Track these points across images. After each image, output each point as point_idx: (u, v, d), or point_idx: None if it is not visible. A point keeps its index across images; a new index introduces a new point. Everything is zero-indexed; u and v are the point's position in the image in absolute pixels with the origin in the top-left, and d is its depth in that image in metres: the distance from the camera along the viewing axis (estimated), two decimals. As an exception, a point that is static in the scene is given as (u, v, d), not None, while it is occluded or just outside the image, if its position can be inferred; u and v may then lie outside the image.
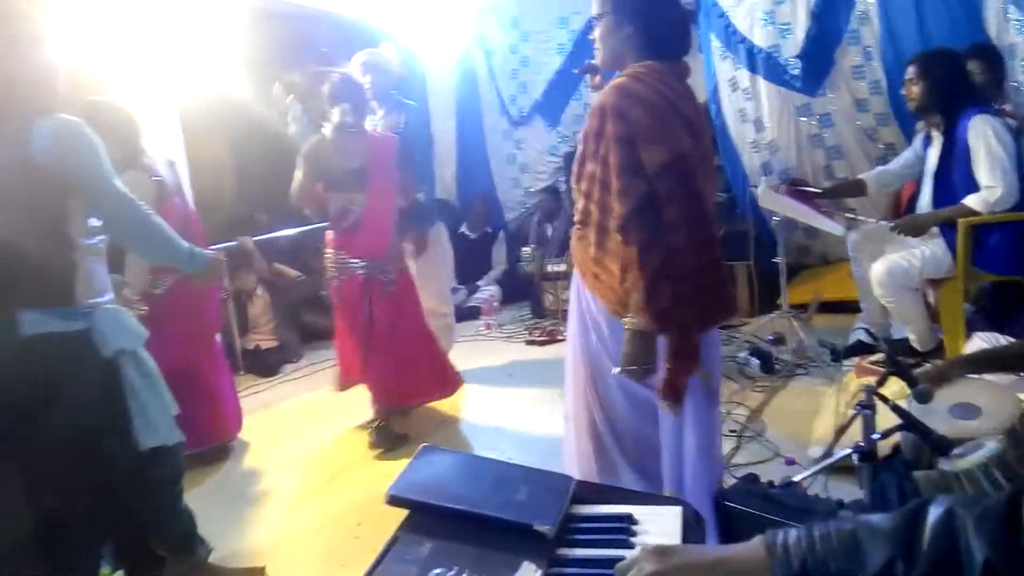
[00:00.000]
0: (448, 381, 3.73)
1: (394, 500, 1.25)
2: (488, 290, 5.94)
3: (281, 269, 5.26)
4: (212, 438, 3.39)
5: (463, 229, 6.27)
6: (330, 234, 3.48)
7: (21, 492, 1.85)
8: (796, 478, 1.90)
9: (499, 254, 6.34)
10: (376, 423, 3.48)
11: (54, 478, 1.89)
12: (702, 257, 1.88)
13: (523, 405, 3.84)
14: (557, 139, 6.21)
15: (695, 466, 1.98)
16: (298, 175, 3.36)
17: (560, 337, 4.77)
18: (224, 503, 3.04)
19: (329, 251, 3.45)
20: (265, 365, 4.81)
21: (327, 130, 3.35)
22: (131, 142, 3.12)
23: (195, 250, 2.21)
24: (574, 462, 2.14)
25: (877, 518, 0.87)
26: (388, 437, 3.43)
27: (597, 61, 2.07)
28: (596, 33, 2.02)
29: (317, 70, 3.80)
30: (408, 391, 3.57)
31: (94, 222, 1.97)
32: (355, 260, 3.38)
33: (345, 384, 3.63)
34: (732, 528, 1.73)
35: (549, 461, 1.95)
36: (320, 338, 5.10)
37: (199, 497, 2.87)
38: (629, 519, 1.24)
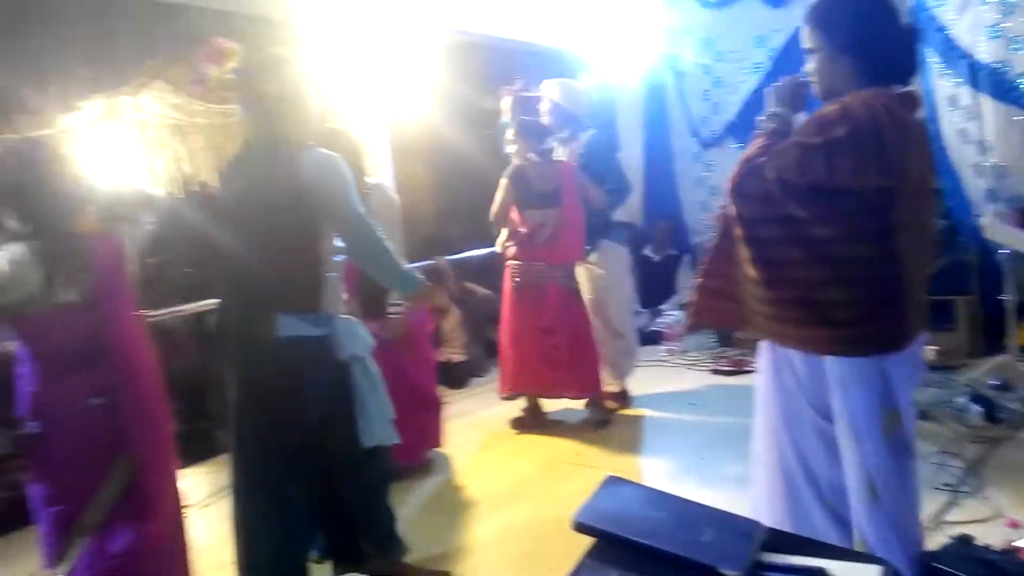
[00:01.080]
0: (588, 385, 3.97)
1: (580, 527, 1.30)
2: (672, 315, 5.84)
3: (472, 288, 5.54)
4: (424, 446, 3.64)
5: (647, 251, 6.23)
6: (514, 249, 3.89)
7: (262, 474, 2.13)
8: (1019, 543, 1.70)
9: (684, 278, 6.22)
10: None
11: (287, 465, 2.14)
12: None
13: (705, 437, 3.74)
14: (751, 161, 5.99)
15: (881, 516, 1.83)
16: (499, 197, 3.81)
17: (748, 368, 4.58)
18: (416, 508, 3.24)
19: (518, 262, 3.88)
20: (455, 378, 5.08)
21: (528, 155, 3.75)
22: (357, 167, 3.47)
23: (414, 274, 2.41)
24: (762, 505, 2.05)
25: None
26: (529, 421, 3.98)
27: (815, 93, 2.00)
28: (810, 66, 1.95)
29: (518, 96, 4.09)
30: (551, 382, 3.93)
31: (337, 243, 2.24)
32: (551, 267, 3.85)
33: (512, 392, 3.99)
34: (941, 595, 1.59)
35: (733, 501, 1.89)
36: None
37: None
38: (822, 574, 1.19)
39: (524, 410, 4.12)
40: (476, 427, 4.23)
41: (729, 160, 6.09)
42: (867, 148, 1.71)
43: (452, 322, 5.23)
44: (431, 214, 5.61)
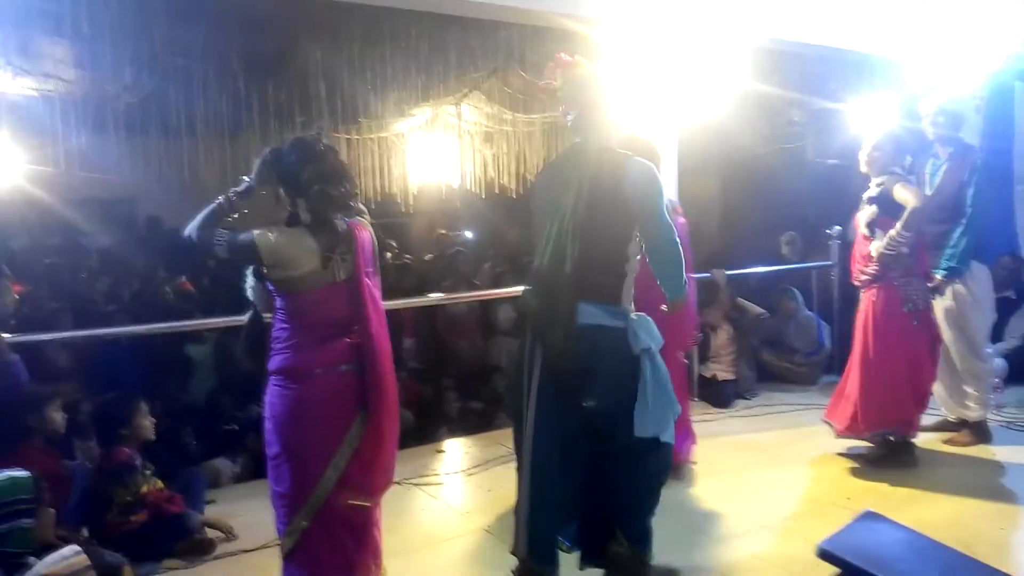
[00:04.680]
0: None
1: (825, 555, 1.20)
2: (995, 362, 4.99)
3: (745, 304, 5.29)
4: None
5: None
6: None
7: (545, 450, 2.27)
8: None
9: (1018, 324, 5.29)
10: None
11: (569, 445, 2.26)
12: None
13: (1009, 506, 3.17)
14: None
15: None
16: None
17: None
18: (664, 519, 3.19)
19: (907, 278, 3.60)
20: (719, 396, 4.90)
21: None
22: None
23: (684, 281, 2.44)
24: None
25: None
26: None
27: None
28: None
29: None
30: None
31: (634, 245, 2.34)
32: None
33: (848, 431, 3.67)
34: None
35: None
36: (776, 379, 5.05)
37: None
38: None
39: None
40: (734, 449, 4.04)
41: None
42: None
43: (722, 338, 5.05)
44: (715, 230, 5.47)
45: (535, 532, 2.28)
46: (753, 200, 4.37)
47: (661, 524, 2.99)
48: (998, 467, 3.67)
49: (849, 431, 3.68)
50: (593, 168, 2.27)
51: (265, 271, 2.23)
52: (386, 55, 5.13)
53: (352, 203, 2.36)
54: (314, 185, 2.23)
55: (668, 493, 3.35)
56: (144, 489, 2.99)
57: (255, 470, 3.96)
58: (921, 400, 3.67)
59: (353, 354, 2.28)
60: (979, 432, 3.91)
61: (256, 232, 2.17)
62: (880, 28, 5.10)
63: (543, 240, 2.30)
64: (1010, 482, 3.46)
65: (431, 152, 6.86)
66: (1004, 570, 2.08)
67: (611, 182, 2.24)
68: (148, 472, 3.06)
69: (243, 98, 5.03)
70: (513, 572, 2.32)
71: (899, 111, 4.98)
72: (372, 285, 2.35)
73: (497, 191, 6.95)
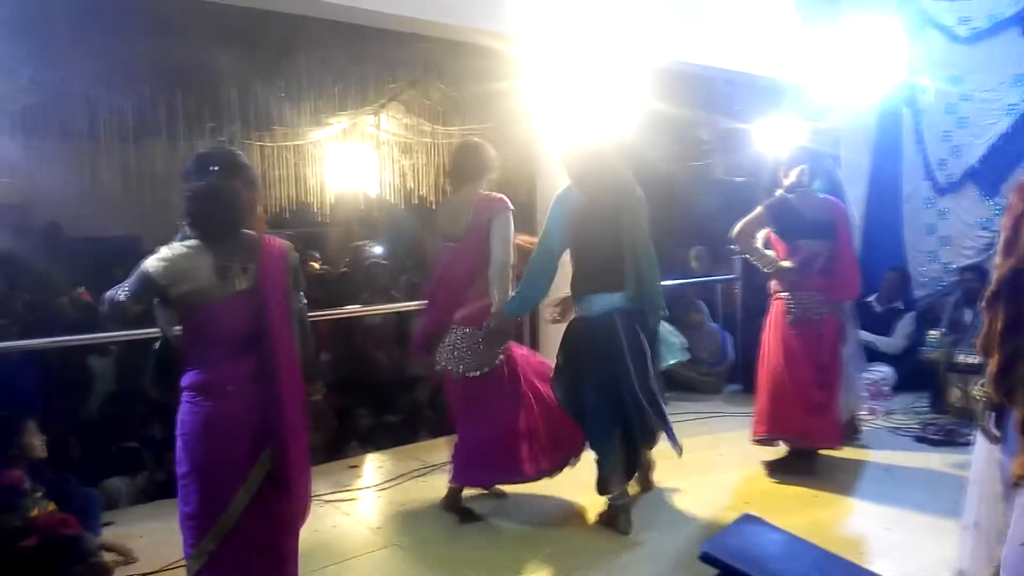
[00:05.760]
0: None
1: (706, 558, 1.26)
2: (880, 371, 5.32)
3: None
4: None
5: (870, 299, 5.73)
6: (776, 283, 3.87)
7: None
8: None
9: (902, 332, 5.65)
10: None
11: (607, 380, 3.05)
12: None
13: (896, 510, 3.35)
14: (993, 211, 5.35)
15: None
16: (751, 218, 3.83)
17: (962, 440, 4.07)
18: (565, 526, 3.27)
19: (788, 293, 3.79)
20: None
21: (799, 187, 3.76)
22: None
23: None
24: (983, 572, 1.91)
25: None
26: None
27: None
28: None
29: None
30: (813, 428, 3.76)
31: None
32: (827, 301, 3.75)
33: (769, 435, 3.83)
34: None
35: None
36: (682, 388, 5.35)
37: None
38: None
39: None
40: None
41: (968, 209, 5.52)
42: None
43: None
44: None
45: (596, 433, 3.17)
46: (665, 215, 4.53)
47: (562, 530, 3.08)
48: (889, 472, 3.90)
49: (760, 436, 3.85)
50: (621, 183, 3.12)
51: (168, 293, 2.15)
52: (302, 64, 5.06)
53: (234, 221, 2.26)
54: (193, 202, 2.19)
55: (568, 502, 3.47)
56: (34, 512, 2.82)
57: (156, 490, 3.81)
58: (819, 410, 3.77)
59: (260, 372, 2.21)
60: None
61: (146, 262, 2.11)
62: (780, 54, 5.41)
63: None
64: (898, 485, 3.68)
65: (349, 162, 6.78)
66: (878, 566, 2.27)
67: (631, 194, 3.14)
68: (38, 494, 2.88)
69: (149, 102, 4.86)
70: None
71: (801, 132, 5.28)
72: (280, 298, 2.28)
73: (416, 202, 6.95)
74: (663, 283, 3.27)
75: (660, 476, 3.67)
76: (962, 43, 5.52)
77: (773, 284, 3.90)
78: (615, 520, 3.14)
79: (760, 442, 3.87)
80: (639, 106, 4.73)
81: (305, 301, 2.38)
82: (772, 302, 3.89)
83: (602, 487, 3.17)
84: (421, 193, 6.85)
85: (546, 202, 3.43)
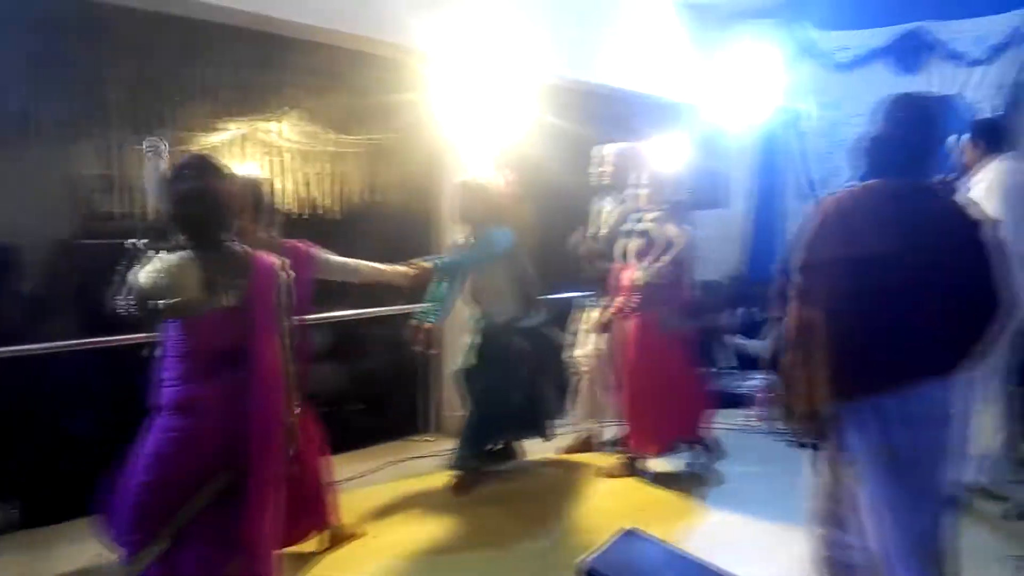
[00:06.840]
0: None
1: (591, 573, 1.32)
2: (759, 378, 5.61)
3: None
4: None
5: (753, 310, 6.04)
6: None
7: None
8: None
9: (772, 336, 5.98)
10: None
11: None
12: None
13: (768, 524, 3.43)
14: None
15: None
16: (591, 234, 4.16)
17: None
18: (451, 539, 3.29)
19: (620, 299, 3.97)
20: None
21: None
22: None
23: None
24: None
25: None
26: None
27: None
28: None
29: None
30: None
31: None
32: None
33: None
34: None
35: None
36: None
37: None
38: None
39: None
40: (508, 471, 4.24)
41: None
42: None
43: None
44: (532, 252, 5.71)
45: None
46: (564, 226, 4.67)
47: (440, 542, 3.07)
48: (765, 478, 4.08)
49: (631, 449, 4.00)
50: None
51: (156, 304, 2.09)
52: (196, 67, 4.88)
53: (220, 221, 2.22)
54: (180, 207, 2.15)
55: (447, 518, 3.49)
56: None
57: (37, 516, 3.57)
58: (678, 421, 3.97)
59: (243, 388, 2.15)
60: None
61: (139, 274, 2.08)
62: (671, 76, 5.67)
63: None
64: (770, 493, 3.76)
65: (245, 168, 6.58)
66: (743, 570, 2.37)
67: None
68: None
69: (22, 101, 4.56)
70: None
71: (692, 150, 5.50)
72: (269, 317, 2.21)
73: (321, 211, 6.80)
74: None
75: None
76: (838, 71, 5.93)
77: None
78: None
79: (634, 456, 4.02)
80: (538, 121, 4.86)
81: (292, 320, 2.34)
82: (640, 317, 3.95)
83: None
84: (324, 203, 6.72)
85: (447, 211, 3.69)
